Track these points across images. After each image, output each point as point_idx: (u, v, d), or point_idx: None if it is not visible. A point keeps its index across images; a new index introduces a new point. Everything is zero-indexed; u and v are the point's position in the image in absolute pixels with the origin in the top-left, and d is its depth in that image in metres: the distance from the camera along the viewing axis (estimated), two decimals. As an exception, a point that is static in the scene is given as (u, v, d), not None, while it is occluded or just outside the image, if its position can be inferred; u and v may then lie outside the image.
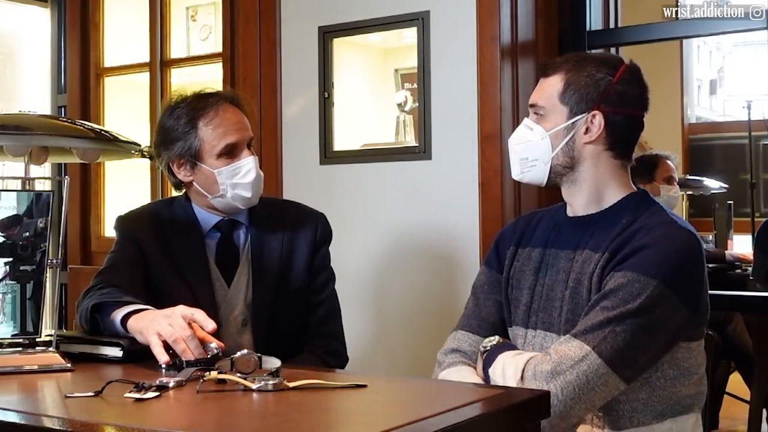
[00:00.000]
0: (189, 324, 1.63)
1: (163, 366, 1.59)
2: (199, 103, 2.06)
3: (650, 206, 1.77)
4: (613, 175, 1.78)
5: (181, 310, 1.66)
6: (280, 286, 2.12)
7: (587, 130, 1.75)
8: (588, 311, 1.65)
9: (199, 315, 1.65)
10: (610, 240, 1.71)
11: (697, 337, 1.73)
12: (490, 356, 1.73)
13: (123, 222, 2.19)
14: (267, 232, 2.14)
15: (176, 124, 2.06)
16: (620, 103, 1.75)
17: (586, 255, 1.73)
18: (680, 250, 1.67)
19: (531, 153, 1.79)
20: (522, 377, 1.61)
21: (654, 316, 1.62)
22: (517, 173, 1.84)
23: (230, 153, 2.05)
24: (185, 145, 2.05)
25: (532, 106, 1.81)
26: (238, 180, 2.05)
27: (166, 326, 1.62)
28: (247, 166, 2.05)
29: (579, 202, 1.80)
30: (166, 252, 2.09)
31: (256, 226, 2.14)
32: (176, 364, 1.59)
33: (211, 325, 1.63)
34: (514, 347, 1.76)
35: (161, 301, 1.97)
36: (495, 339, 1.77)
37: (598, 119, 1.74)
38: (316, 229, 2.19)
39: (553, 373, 1.59)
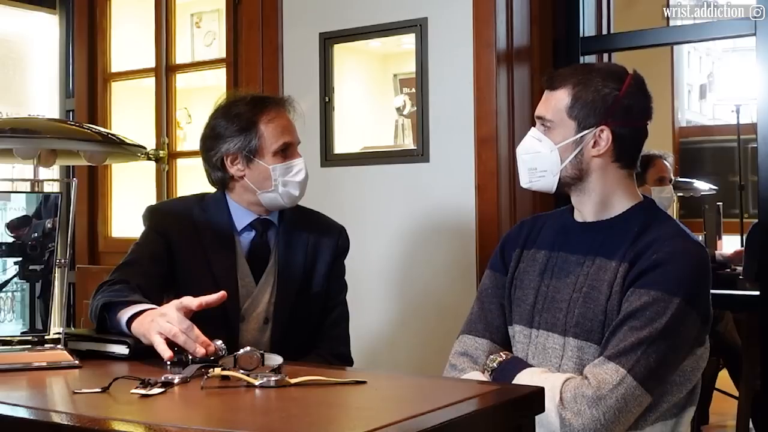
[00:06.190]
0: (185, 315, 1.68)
1: (168, 362, 1.62)
2: (260, 103, 2.15)
3: (658, 214, 1.81)
4: (620, 184, 1.81)
5: (173, 304, 1.70)
6: (303, 289, 2.17)
7: (595, 144, 1.77)
8: (615, 330, 1.67)
9: (186, 299, 1.71)
10: (626, 248, 1.74)
11: (702, 342, 1.76)
12: (503, 373, 1.75)
13: (154, 214, 2.20)
14: (295, 235, 2.19)
15: (235, 121, 2.12)
16: (627, 116, 1.77)
17: (600, 262, 1.76)
18: (697, 265, 1.72)
19: (540, 164, 1.82)
20: (561, 399, 1.63)
21: (679, 333, 1.66)
22: (525, 182, 1.86)
23: (285, 152, 2.13)
24: (245, 141, 2.11)
25: (539, 118, 1.83)
26: (289, 178, 2.12)
27: (165, 323, 1.65)
28: (299, 166, 2.14)
29: (588, 209, 1.83)
30: (195, 247, 2.12)
31: (286, 228, 2.20)
32: (181, 361, 1.62)
33: (196, 302, 1.70)
34: (526, 363, 1.78)
35: (186, 295, 2.04)
36: (499, 356, 1.80)
37: (606, 134, 1.76)
38: (338, 239, 2.26)
39: (595, 398, 1.62)
